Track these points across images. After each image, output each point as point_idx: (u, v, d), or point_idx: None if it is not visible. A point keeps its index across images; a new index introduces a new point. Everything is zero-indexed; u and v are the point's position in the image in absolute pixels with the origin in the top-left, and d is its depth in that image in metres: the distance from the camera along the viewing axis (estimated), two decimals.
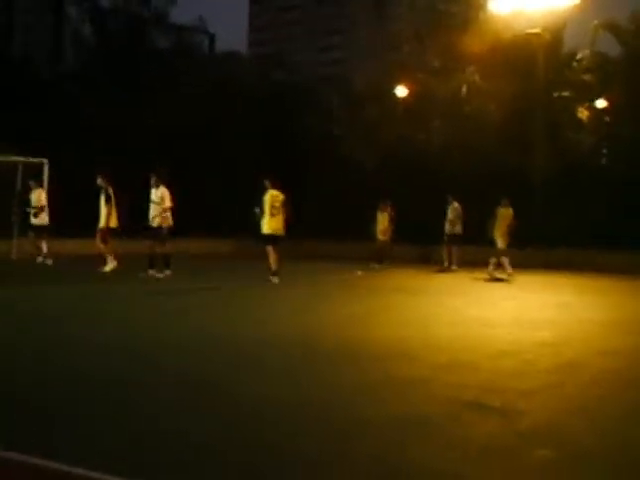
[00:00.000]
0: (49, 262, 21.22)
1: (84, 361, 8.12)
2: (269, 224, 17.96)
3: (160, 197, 18.36)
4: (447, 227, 24.79)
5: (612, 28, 34.23)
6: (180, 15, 43.68)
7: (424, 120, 35.91)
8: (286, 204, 18.12)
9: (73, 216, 23.32)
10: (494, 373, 8.13)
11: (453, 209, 24.97)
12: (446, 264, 24.33)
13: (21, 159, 23.52)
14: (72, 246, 24.45)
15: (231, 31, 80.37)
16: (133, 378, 7.39)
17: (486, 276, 20.94)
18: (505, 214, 21.60)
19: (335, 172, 34.78)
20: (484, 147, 31.86)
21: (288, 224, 18.28)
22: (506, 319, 12.76)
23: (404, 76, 35.89)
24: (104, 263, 19.15)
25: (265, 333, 10.43)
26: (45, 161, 23.54)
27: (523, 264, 23.16)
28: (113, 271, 18.87)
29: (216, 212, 32.24)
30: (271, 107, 37.77)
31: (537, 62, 30.28)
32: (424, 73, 36.29)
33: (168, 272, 18.14)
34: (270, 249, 17.97)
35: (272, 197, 17.98)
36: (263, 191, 18.11)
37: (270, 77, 43.22)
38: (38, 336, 9.71)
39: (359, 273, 21.75)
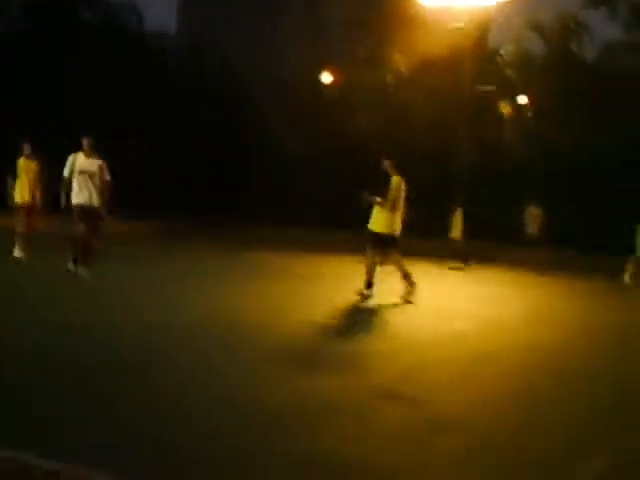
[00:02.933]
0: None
1: None
2: (390, 219, 13.21)
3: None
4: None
5: (537, 27, 34.94)
6: None
7: (350, 109, 36.15)
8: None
9: None
10: (410, 364, 8.25)
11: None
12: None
13: None
14: None
15: (159, 11, 79.29)
16: None
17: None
18: None
19: (258, 159, 35.43)
20: (408, 137, 32.25)
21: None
22: (426, 310, 12.79)
23: (330, 64, 36.14)
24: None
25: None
26: None
27: (443, 256, 23.57)
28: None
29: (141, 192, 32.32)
30: (195, 96, 37.86)
31: (462, 56, 30.72)
32: (351, 61, 36.56)
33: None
34: (373, 252, 13.39)
35: (399, 185, 13.31)
36: (382, 176, 13.39)
37: (195, 65, 43.08)
38: None
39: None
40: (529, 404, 6.90)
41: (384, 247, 13.34)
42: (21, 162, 16.42)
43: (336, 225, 30.51)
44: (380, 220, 13.23)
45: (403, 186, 13.33)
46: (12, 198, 16.45)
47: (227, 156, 37.17)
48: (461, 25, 30.53)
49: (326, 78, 35.51)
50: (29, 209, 16.44)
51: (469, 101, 31.28)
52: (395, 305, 12.83)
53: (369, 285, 13.21)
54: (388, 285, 13.50)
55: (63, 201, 14.07)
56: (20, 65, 33.45)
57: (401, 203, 13.31)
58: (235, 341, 8.81)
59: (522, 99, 33.19)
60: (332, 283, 16.45)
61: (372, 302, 12.89)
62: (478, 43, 32.59)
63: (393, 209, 13.17)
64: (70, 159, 14.12)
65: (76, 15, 40.77)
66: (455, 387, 7.28)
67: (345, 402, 6.42)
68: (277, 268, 19.66)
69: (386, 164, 13.39)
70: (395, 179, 13.24)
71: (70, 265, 13.62)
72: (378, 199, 13.14)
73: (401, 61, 35.85)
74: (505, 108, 34.42)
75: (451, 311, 12.81)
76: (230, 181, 36.83)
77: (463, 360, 8.61)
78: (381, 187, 13.17)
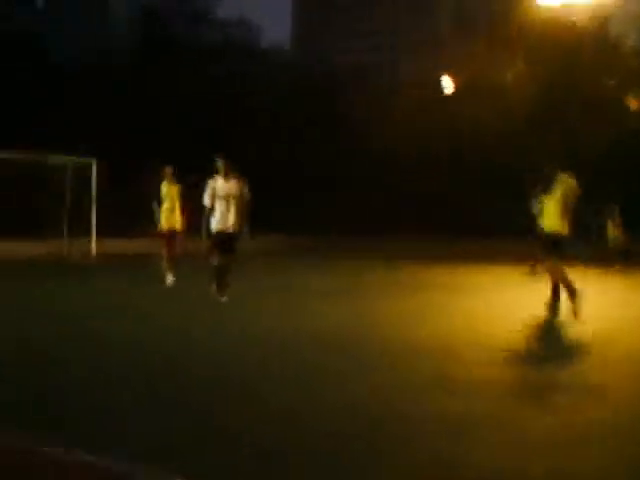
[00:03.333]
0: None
1: None
2: (555, 221, 12.06)
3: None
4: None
5: None
6: (225, 13, 44.65)
7: (471, 110, 35.89)
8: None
9: None
10: (552, 369, 8.08)
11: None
12: None
13: (70, 159, 23.80)
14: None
15: (274, 22, 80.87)
16: None
17: None
18: None
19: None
20: (527, 134, 31.86)
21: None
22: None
23: (451, 67, 36.00)
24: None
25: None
26: (93, 161, 23.81)
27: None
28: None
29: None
30: (315, 101, 38.34)
31: (584, 50, 30.13)
32: (471, 64, 36.32)
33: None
34: (553, 260, 12.01)
35: (569, 188, 12.11)
36: (547, 178, 12.41)
37: (314, 72, 43.65)
38: None
39: None
40: None
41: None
42: (164, 186, 15.90)
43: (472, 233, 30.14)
44: (552, 220, 12.09)
45: (575, 187, 12.15)
46: (159, 224, 15.88)
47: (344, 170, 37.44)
48: (580, 20, 29.95)
49: (447, 83, 35.30)
50: (175, 234, 15.90)
51: (591, 94, 30.63)
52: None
53: (572, 295, 11.58)
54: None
55: (205, 231, 13.34)
56: (140, 89, 34.49)
57: (570, 205, 12.10)
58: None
59: None
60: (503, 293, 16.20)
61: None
62: (599, 36, 31.89)
63: (564, 210, 12.00)
64: (210, 184, 13.21)
65: (197, 35, 41.91)
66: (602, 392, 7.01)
67: (486, 410, 6.27)
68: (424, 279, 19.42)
69: (550, 166, 12.41)
70: (566, 178, 12.10)
71: (214, 292, 13.05)
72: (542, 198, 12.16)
73: (520, 58, 35.43)
74: (632, 101, 33.47)
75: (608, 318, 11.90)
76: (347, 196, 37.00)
77: (600, 363, 8.43)
78: (546, 186, 12.19)
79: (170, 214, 15.81)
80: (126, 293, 14.99)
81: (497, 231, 30.01)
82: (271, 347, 9.25)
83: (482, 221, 31.63)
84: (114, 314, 11.94)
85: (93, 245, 23.10)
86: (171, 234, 15.82)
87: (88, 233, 23.32)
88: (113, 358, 8.38)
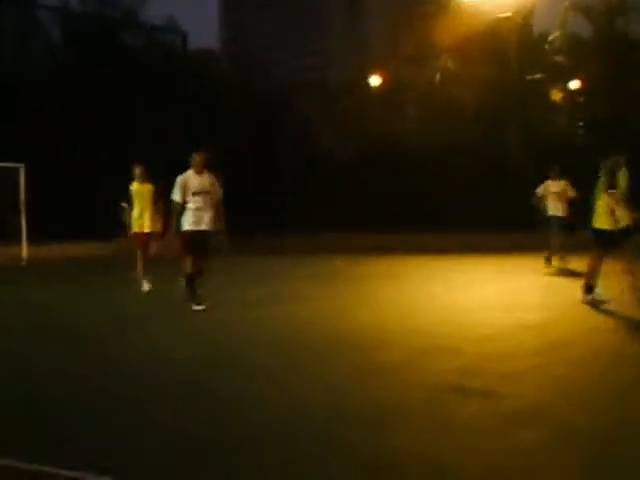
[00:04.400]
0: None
1: None
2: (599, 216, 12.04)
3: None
4: None
5: (582, 10, 34.51)
6: (151, 16, 44.01)
7: (399, 109, 36.09)
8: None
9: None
10: (478, 357, 8.11)
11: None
12: None
13: None
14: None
15: (202, 29, 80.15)
16: None
17: None
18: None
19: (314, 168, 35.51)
20: (459, 133, 32.10)
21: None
22: (489, 303, 12.64)
23: (378, 66, 36.11)
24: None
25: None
26: (21, 166, 23.37)
27: (504, 246, 23.23)
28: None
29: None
30: (247, 112, 38.12)
31: (509, 46, 30.43)
32: (398, 62, 36.49)
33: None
34: (597, 255, 12.14)
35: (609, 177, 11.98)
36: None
37: (245, 82, 43.31)
38: None
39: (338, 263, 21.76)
40: (608, 390, 6.72)
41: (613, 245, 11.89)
42: (134, 186, 15.06)
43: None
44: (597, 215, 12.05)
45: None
46: (129, 226, 14.99)
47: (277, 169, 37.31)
48: (506, 14, 30.22)
49: (374, 81, 35.43)
50: (148, 237, 15.07)
51: (518, 91, 30.96)
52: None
53: (589, 289, 12.05)
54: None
55: (174, 229, 12.09)
56: (66, 96, 33.80)
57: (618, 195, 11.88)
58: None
59: (574, 84, 32.69)
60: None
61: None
62: (523, 31, 32.27)
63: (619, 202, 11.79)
64: (180, 180, 12.09)
65: (115, 39, 41.18)
66: (527, 377, 7.15)
67: (415, 398, 6.39)
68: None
69: (614, 159, 12.09)
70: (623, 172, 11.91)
71: (195, 307, 11.97)
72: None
73: (447, 57, 35.69)
74: (556, 95, 33.92)
75: None
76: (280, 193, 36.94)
77: (533, 350, 8.48)
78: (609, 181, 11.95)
79: (143, 215, 14.99)
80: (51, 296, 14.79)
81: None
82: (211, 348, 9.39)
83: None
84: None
85: (24, 250, 22.76)
86: (145, 237, 15.02)
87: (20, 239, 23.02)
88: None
